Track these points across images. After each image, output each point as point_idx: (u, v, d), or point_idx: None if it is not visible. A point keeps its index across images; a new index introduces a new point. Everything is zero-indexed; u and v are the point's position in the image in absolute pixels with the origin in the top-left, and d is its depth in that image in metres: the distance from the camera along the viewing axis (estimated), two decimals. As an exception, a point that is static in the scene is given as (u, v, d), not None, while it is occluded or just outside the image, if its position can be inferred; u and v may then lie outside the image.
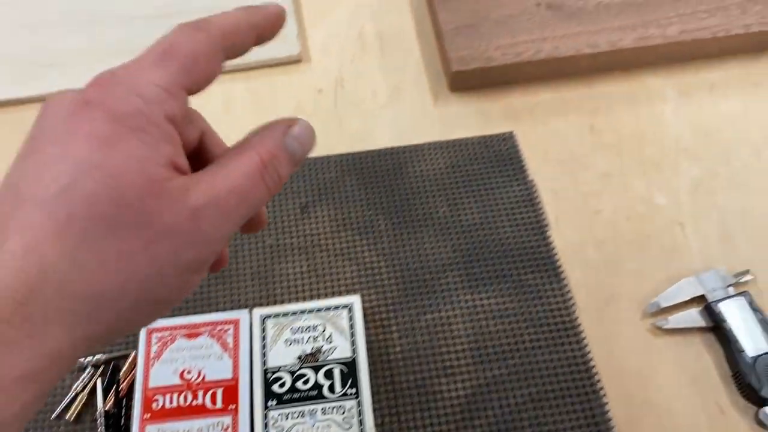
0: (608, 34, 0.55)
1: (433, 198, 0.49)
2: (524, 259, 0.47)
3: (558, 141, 0.53)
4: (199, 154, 0.27)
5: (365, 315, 0.44)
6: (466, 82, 0.55)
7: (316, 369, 0.40)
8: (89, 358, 0.42)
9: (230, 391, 0.39)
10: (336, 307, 0.42)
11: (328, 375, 0.40)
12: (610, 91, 0.55)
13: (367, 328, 0.44)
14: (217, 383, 0.40)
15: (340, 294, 0.44)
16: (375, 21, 0.60)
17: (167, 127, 0.23)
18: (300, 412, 0.39)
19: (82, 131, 0.22)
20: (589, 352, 0.43)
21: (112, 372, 0.42)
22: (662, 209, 0.49)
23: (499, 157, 0.52)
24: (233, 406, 0.39)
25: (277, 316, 0.42)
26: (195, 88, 0.24)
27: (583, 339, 0.43)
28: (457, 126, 0.54)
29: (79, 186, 0.21)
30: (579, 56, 0.54)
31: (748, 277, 0.45)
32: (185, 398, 0.39)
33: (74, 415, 0.41)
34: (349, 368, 0.40)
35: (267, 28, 0.26)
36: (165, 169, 0.22)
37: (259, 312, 0.42)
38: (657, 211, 0.49)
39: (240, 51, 0.26)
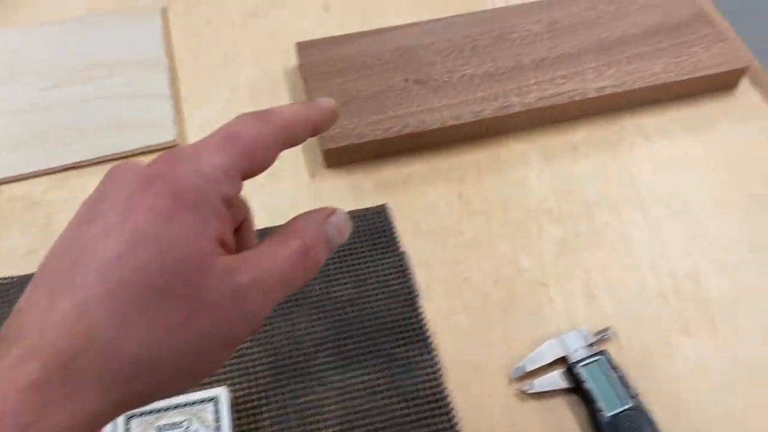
0: (471, 105, 0.58)
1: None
2: (396, 332, 0.48)
3: (429, 210, 0.55)
4: (239, 242, 0.28)
5: (235, 404, 0.44)
6: (340, 158, 0.57)
7: (180, 468, 0.40)
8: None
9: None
10: (201, 401, 0.42)
11: (192, 473, 0.39)
12: (477, 159, 0.58)
13: (237, 418, 0.44)
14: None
15: (205, 386, 0.44)
16: (253, 103, 0.62)
17: (221, 206, 0.25)
18: None
19: (143, 204, 0.23)
20: (456, 423, 0.44)
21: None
22: (527, 272, 0.51)
23: (373, 230, 0.53)
24: None
25: (142, 414, 0.41)
26: (251, 174, 0.26)
27: (452, 410, 0.44)
28: (333, 201, 0.55)
29: (133, 255, 0.23)
30: (445, 128, 0.57)
31: (609, 334, 0.47)
32: None
33: None
34: (214, 464, 0.40)
35: (322, 121, 0.29)
36: (214, 245, 0.24)
37: (123, 412, 0.41)
38: (522, 274, 0.51)
39: (296, 142, 0.28)
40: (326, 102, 0.30)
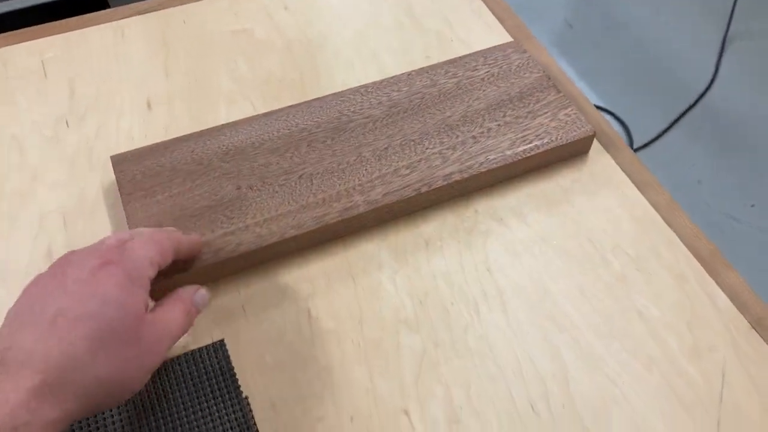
0: (313, 210, 0.53)
1: (133, 447, 0.43)
2: (242, 501, 0.42)
3: (275, 339, 0.49)
4: None
5: None
6: (166, 291, 0.50)
7: None
8: None
9: None
10: None
11: None
12: (325, 268, 0.53)
13: None
14: None
15: None
16: (67, 230, 0.54)
17: (147, 284, 0.39)
18: None
19: (108, 280, 0.37)
20: None
21: None
22: (386, 399, 0.46)
23: (209, 374, 0.47)
24: None
25: None
26: (158, 269, 0.41)
27: None
28: (164, 342, 0.48)
29: (103, 312, 0.36)
30: (285, 240, 0.51)
31: (476, 464, 0.43)
32: None
33: None
34: None
35: (192, 257, 0.48)
36: (145, 309, 0.38)
37: None
38: (381, 403, 0.46)
39: (174, 262, 0.44)
40: (198, 241, 0.49)
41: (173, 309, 0.41)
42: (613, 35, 1.92)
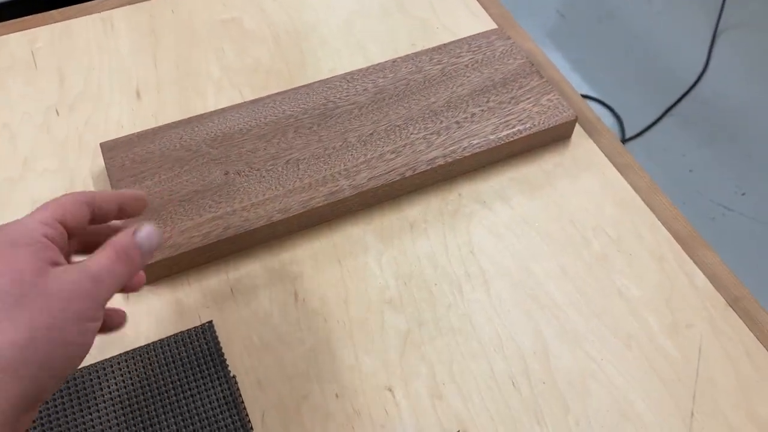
0: (299, 194, 0.54)
1: (124, 424, 0.44)
2: (229, 475, 0.43)
3: (262, 320, 0.50)
4: None
5: None
6: (155, 273, 0.51)
7: None
8: None
9: None
10: None
11: None
12: (312, 250, 0.54)
13: None
14: None
15: None
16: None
17: (46, 241, 0.34)
18: None
19: None
20: None
21: None
22: (371, 376, 0.47)
23: (197, 355, 0.48)
24: None
25: None
26: (71, 225, 0.36)
27: None
28: (151, 324, 0.49)
29: None
30: (272, 224, 0.52)
31: (458, 438, 0.44)
32: None
33: None
34: None
35: (130, 204, 0.40)
36: (48, 264, 0.33)
37: None
38: (366, 380, 0.47)
39: (104, 214, 0.39)
40: (137, 191, 0.43)
41: (94, 256, 0.36)
42: (605, 26, 1.93)
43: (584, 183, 0.58)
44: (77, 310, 0.33)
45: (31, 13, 0.71)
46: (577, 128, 0.62)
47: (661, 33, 1.88)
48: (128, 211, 0.40)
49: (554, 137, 0.60)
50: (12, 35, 0.68)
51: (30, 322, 0.31)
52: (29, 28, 0.69)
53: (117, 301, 0.50)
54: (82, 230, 0.37)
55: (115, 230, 0.40)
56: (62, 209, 0.36)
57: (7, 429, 0.29)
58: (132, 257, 0.37)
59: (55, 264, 0.34)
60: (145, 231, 0.38)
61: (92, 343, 0.34)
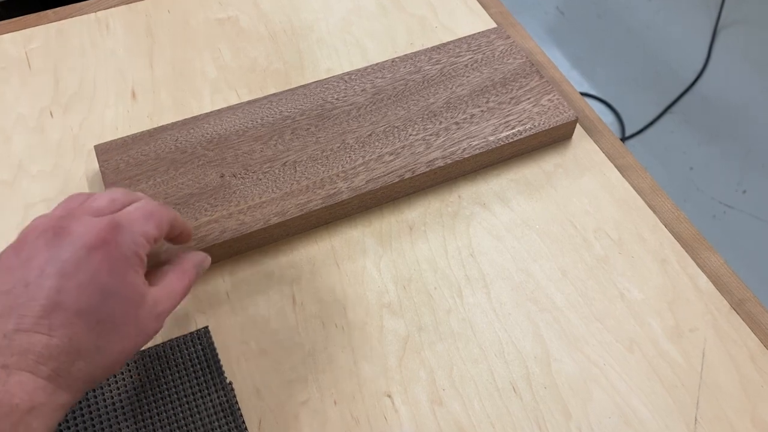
0: (297, 197, 0.53)
1: (119, 429, 0.44)
2: (226, 484, 0.42)
3: (259, 325, 0.49)
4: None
5: None
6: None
7: None
8: None
9: None
10: None
11: None
12: (310, 254, 0.53)
13: None
14: None
15: None
16: (52, 219, 0.54)
17: (144, 259, 0.38)
18: None
19: (108, 268, 0.36)
20: None
21: None
22: (369, 382, 0.47)
23: (193, 361, 0.47)
24: None
25: None
26: (157, 240, 0.40)
27: None
28: (149, 330, 0.49)
29: (104, 305, 0.36)
30: (269, 227, 0.52)
31: (458, 445, 0.44)
32: None
33: None
34: None
35: (186, 236, 0.45)
36: (145, 287, 0.38)
37: None
38: (365, 386, 0.47)
39: (169, 236, 0.44)
40: (190, 228, 0.46)
41: (174, 282, 0.41)
42: (605, 23, 1.92)
43: (585, 184, 0.58)
44: (147, 338, 0.39)
45: (26, 13, 0.70)
46: (578, 129, 0.61)
47: (661, 30, 1.87)
48: (180, 240, 0.45)
49: (555, 138, 0.60)
50: (6, 35, 0.67)
51: (121, 350, 0.37)
52: (23, 29, 0.68)
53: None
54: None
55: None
56: (161, 229, 0.40)
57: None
58: (191, 285, 0.43)
59: (146, 282, 0.39)
60: (206, 263, 0.45)
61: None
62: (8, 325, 0.34)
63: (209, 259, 0.45)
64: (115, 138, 0.56)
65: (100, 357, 0.36)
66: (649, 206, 0.56)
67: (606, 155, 0.60)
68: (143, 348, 0.47)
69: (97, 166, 0.56)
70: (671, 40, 1.85)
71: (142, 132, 0.56)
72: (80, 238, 0.36)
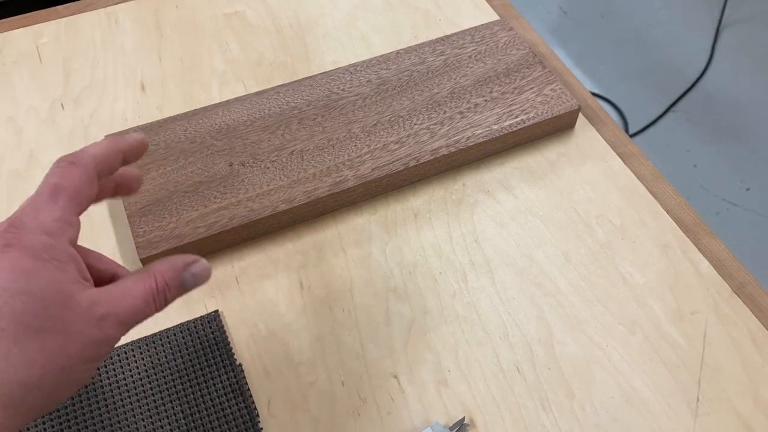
0: (304, 185, 0.54)
1: (131, 413, 0.45)
2: (236, 462, 0.43)
3: (268, 309, 0.50)
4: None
5: None
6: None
7: None
8: None
9: None
10: None
11: None
12: (317, 240, 0.54)
13: None
14: None
15: None
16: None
17: (71, 250, 0.31)
18: None
19: (6, 267, 0.29)
20: None
21: None
22: (376, 364, 0.48)
23: (204, 344, 0.48)
24: None
25: None
26: (82, 211, 0.32)
27: None
28: (158, 314, 0.49)
29: (8, 306, 0.28)
30: (277, 214, 0.53)
31: (464, 425, 0.44)
32: None
33: None
34: None
35: (131, 152, 0.36)
36: (74, 284, 0.30)
37: None
38: (371, 367, 0.47)
39: (110, 172, 0.35)
40: (135, 134, 0.36)
41: (136, 284, 0.32)
42: (608, 21, 1.93)
43: (588, 172, 0.59)
44: (92, 354, 0.30)
45: (36, 9, 0.71)
46: (581, 118, 0.62)
47: (664, 28, 1.88)
48: (131, 159, 0.36)
49: (557, 127, 0.60)
50: (17, 30, 0.69)
51: (44, 361, 0.29)
52: (34, 24, 0.69)
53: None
54: (88, 207, 0.33)
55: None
56: (77, 197, 0.32)
57: None
58: (167, 300, 0.33)
59: (80, 278, 0.31)
60: (198, 269, 0.35)
61: (87, 382, 0.33)
62: None
63: (204, 264, 0.35)
64: (125, 129, 0.57)
65: (13, 371, 0.28)
66: (651, 193, 0.57)
67: (608, 143, 0.60)
68: (148, 335, 0.48)
69: (107, 156, 0.57)
70: (674, 38, 1.86)
71: (152, 122, 0.58)
72: None
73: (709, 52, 1.80)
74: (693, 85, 1.75)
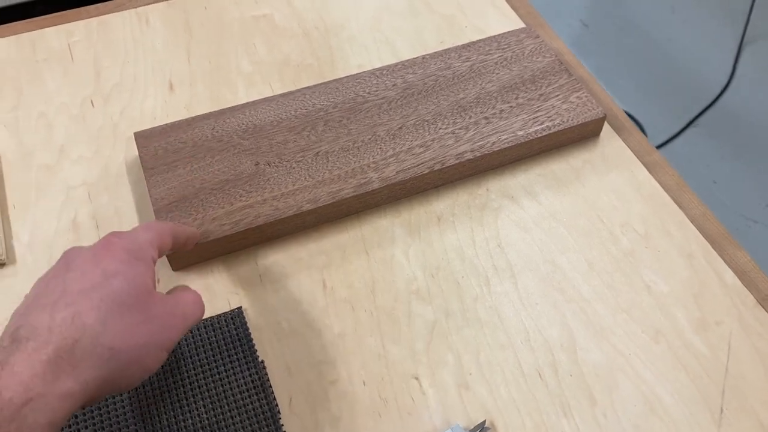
0: (328, 186, 0.54)
1: (154, 406, 0.45)
2: (257, 457, 0.43)
3: (291, 307, 0.50)
4: None
5: None
6: (186, 260, 0.52)
7: None
8: None
9: None
10: None
11: None
12: (340, 241, 0.54)
13: None
14: None
15: None
16: (92, 203, 0.56)
17: (151, 262, 0.40)
18: None
19: (108, 256, 0.37)
20: None
21: None
22: (397, 364, 0.48)
23: (227, 340, 0.48)
24: None
25: None
26: (160, 253, 0.42)
27: None
28: (183, 309, 0.50)
29: (107, 284, 0.36)
30: (301, 214, 0.53)
31: (484, 428, 0.44)
32: None
33: None
34: None
35: (191, 241, 0.48)
36: (152, 283, 0.39)
37: None
38: (392, 368, 0.47)
39: (175, 246, 0.45)
40: (196, 231, 0.49)
41: (187, 291, 0.42)
42: (629, 35, 1.92)
43: (613, 180, 0.58)
44: (165, 340, 0.38)
45: (68, 8, 0.72)
46: (606, 126, 0.62)
47: (686, 43, 1.87)
48: (187, 247, 0.48)
49: (583, 134, 0.60)
50: (49, 29, 0.70)
51: (130, 333, 0.35)
52: (67, 22, 0.70)
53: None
54: (161, 257, 0.43)
55: None
56: (161, 237, 0.42)
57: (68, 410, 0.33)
58: (203, 306, 0.42)
59: (154, 285, 0.39)
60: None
61: (158, 368, 0.38)
62: (17, 320, 0.35)
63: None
64: (154, 126, 0.58)
65: (106, 336, 0.34)
66: (676, 202, 0.57)
67: (633, 152, 0.60)
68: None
69: (135, 152, 0.58)
70: (696, 53, 1.85)
71: (180, 120, 0.58)
72: (88, 250, 0.39)
73: (731, 68, 1.79)
74: (714, 101, 1.74)
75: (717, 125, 1.71)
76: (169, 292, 0.42)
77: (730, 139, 1.68)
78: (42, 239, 0.54)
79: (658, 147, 1.66)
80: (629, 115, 1.76)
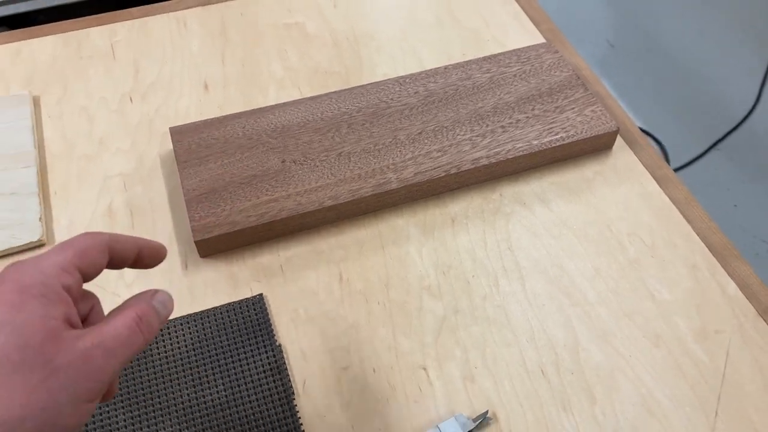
0: (349, 184, 0.57)
1: (177, 381, 0.48)
2: (271, 434, 0.46)
3: (308, 296, 0.53)
4: (89, 323, 0.35)
5: None
6: (213, 247, 0.55)
7: None
8: None
9: None
10: None
11: None
12: (358, 237, 0.57)
13: None
14: None
15: None
16: (127, 192, 0.60)
17: (62, 293, 0.31)
18: None
19: None
20: None
21: None
22: (407, 355, 0.50)
23: (247, 324, 0.51)
24: None
25: None
26: (89, 272, 0.33)
27: None
28: (206, 293, 0.53)
29: None
30: (323, 209, 0.56)
31: (487, 419, 0.46)
32: None
33: None
34: None
35: (148, 253, 0.37)
36: (61, 323, 0.30)
37: None
38: (402, 358, 0.50)
39: (122, 260, 0.35)
40: (158, 243, 0.38)
41: (117, 318, 0.33)
42: (655, 56, 1.94)
43: (623, 192, 0.61)
44: (80, 391, 0.30)
45: (111, 10, 0.77)
46: (619, 140, 0.64)
47: (713, 67, 1.88)
48: (145, 261, 0.37)
49: (596, 146, 0.63)
50: (94, 29, 0.74)
51: (25, 399, 0.28)
52: (110, 23, 0.75)
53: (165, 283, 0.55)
54: (95, 275, 0.34)
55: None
56: (83, 255, 0.33)
57: None
58: (152, 327, 0.34)
59: (68, 322, 0.31)
60: (162, 296, 0.35)
61: (86, 422, 0.31)
62: None
63: (164, 292, 0.36)
64: (188, 123, 0.62)
65: None
66: (684, 216, 0.59)
67: (645, 166, 0.62)
68: (198, 311, 0.51)
69: (169, 146, 0.62)
70: (721, 77, 1.86)
71: (213, 118, 0.62)
72: None
73: (757, 93, 1.80)
74: (738, 125, 1.74)
75: (740, 149, 1.71)
76: (108, 314, 0.34)
77: (753, 163, 1.68)
78: (79, 223, 0.57)
79: (680, 169, 1.67)
80: (651, 135, 1.77)
